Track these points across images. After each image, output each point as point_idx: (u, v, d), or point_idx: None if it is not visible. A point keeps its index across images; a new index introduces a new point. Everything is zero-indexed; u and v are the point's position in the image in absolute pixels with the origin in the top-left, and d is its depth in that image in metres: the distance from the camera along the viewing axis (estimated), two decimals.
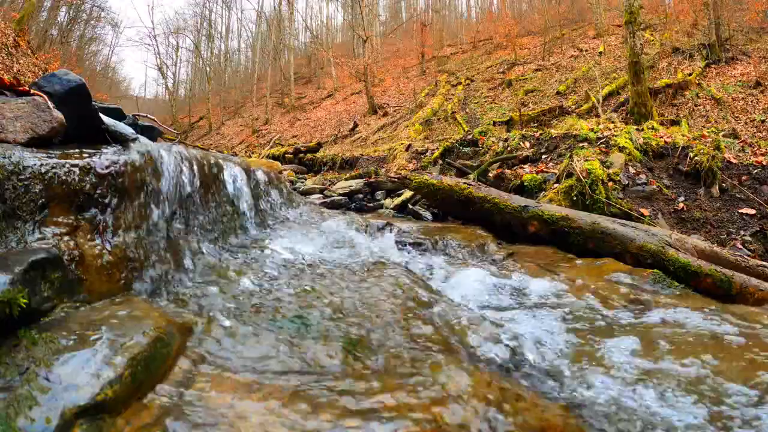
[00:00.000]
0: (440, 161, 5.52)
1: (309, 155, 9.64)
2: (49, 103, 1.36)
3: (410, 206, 3.88)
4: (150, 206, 1.60)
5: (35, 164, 1.20)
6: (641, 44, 7.19)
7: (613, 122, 6.00)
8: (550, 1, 21.60)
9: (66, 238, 1.23)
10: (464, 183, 3.04)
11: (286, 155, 9.80)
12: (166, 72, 30.02)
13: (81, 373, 0.86)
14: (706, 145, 3.64)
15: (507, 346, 1.32)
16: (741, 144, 4.45)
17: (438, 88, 16.34)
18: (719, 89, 9.56)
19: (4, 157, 1.15)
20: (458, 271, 2.15)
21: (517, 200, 2.76)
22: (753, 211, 3.11)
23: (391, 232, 2.74)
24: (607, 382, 1.14)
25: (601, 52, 14.40)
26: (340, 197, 4.62)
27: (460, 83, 15.96)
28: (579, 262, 2.21)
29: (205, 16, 34.68)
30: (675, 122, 7.61)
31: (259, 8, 32.26)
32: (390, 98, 18.16)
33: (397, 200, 4.19)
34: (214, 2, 34.79)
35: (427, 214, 3.65)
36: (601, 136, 4.19)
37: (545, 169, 3.85)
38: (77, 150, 1.39)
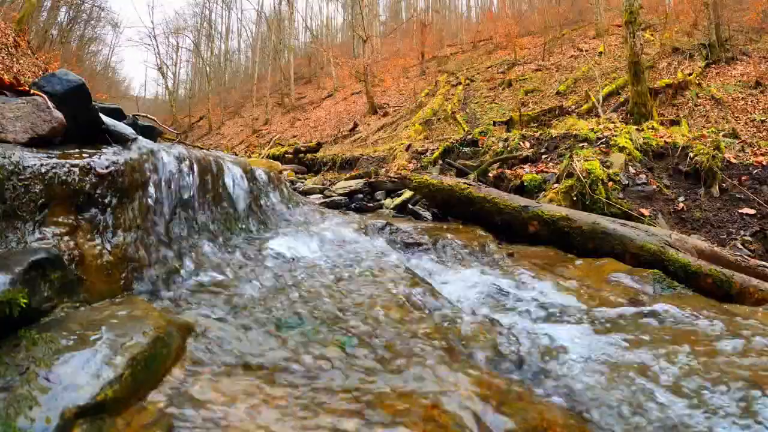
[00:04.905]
0: (440, 161, 5.51)
1: (309, 155, 9.62)
2: (49, 103, 1.36)
3: (410, 206, 3.88)
4: (150, 206, 1.60)
5: (35, 164, 1.20)
6: (641, 44, 7.18)
7: (613, 122, 5.99)
8: (550, 1, 21.58)
9: (66, 238, 1.23)
10: (464, 183, 3.04)
11: (286, 155, 9.78)
12: (166, 72, 30.04)
13: (81, 373, 0.86)
14: (706, 145, 3.64)
15: (506, 345, 1.32)
16: (741, 144, 4.44)
17: (438, 88, 16.33)
18: (719, 89, 9.56)
19: (5, 158, 1.15)
20: (458, 271, 2.15)
21: (517, 200, 2.76)
22: (753, 211, 3.11)
23: (390, 232, 2.74)
24: (608, 383, 1.14)
25: (601, 52, 14.40)
26: (340, 197, 4.61)
27: (460, 83, 15.95)
28: (579, 262, 2.20)
29: (205, 16, 34.73)
30: (675, 122, 7.60)
31: (259, 8, 32.25)
32: (390, 98, 18.15)
33: (397, 200, 4.19)
34: (214, 2, 34.82)
35: (427, 214, 3.65)
36: (601, 136, 4.19)
37: (545, 169, 3.85)
38: (77, 150, 1.39)
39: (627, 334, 1.40)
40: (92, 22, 27.99)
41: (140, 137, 1.70)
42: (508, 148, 4.80)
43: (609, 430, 0.98)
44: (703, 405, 1.03)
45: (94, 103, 1.56)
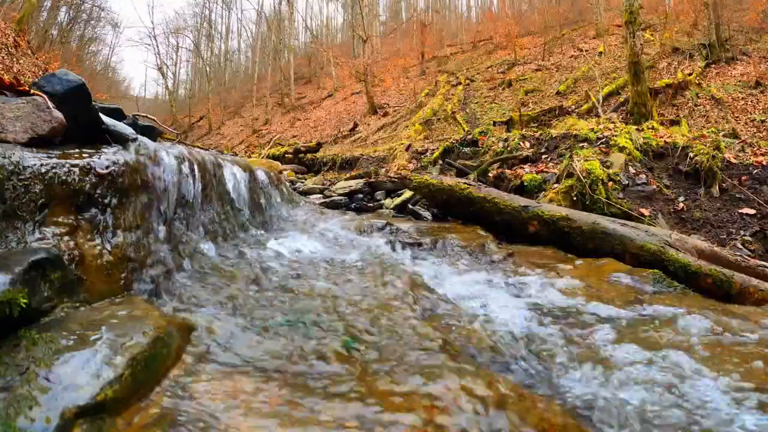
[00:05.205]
0: (440, 161, 5.51)
1: (309, 155, 9.61)
2: (49, 103, 1.36)
3: (410, 206, 3.88)
4: (150, 206, 1.60)
5: (35, 164, 1.20)
6: (641, 44, 7.18)
7: (613, 122, 5.99)
8: (550, 1, 21.58)
9: (66, 238, 1.23)
10: (464, 183, 3.04)
11: (286, 155, 9.77)
12: (166, 72, 30.04)
13: (81, 373, 0.86)
14: (706, 145, 3.64)
15: (507, 346, 1.32)
16: (741, 144, 4.44)
17: (438, 88, 16.32)
18: (719, 89, 9.56)
19: (5, 158, 1.15)
20: (458, 271, 2.15)
21: (517, 200, 2.76)
22: (753, 211, 3.11)
23: (390, 232, 2.74)
24: (608, 383, 1.14)
25: (601, 52, 14.40)
26: (340, 197, 4.61)
27: (460, 83, 15.95)
28: (579, 262, 2.20)
29: (205, 16, 34.73)
30: (675, 122, 7.60)
31: (259, 8, 32.21)
32: (390, 98, 18.15)
33: (397, 200, 4.18)
34: (214, 2, 34.80)
35: (427, 214, 3.65)
36: (601, 136, 4.19)
37: (545, 169, 3.85)
38: (77, 150, 1.39)
39: (626, 334, 1.40)
40: (92, 22, 27.96)
41: (140, 137, 1.70)
42: (508, 148, 4.80)
43: (608, 430, 0.98)
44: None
45: (94, 103, 1.56)
